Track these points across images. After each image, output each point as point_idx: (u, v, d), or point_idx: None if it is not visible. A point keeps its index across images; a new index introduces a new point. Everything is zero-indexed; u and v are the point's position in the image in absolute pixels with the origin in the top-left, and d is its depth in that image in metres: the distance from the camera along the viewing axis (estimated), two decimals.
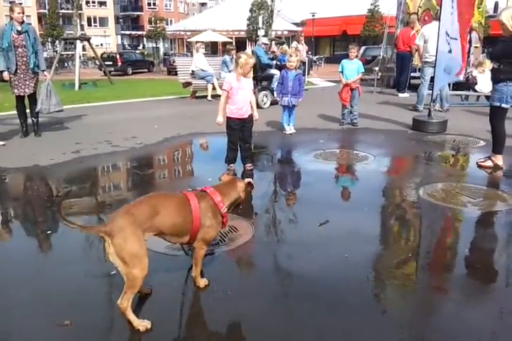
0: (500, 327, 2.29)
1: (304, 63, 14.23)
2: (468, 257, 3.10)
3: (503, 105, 5.08)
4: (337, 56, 34.78)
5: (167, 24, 47.87)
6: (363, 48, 19.50)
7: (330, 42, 40.87)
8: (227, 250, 3.12)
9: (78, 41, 16.22)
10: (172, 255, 3.00)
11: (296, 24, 35.55)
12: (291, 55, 6.94)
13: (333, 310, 2.41)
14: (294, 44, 13.83)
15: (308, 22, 36.95)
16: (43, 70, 6.77)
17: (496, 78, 5.05)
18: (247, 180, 2.72)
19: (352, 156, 5.80)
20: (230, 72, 11.19)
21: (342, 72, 7.58)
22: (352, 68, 7.50)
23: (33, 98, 6.74)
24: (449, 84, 10.82)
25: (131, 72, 26.91)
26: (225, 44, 33.76)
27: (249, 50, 10.01)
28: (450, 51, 7.25)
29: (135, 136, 6.72)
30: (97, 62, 22.31)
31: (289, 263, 2.95)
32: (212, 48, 33.71)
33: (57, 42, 20.88)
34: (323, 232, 3.42)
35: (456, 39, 7.36)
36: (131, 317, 2.19)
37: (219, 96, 11.18)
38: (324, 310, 2.40)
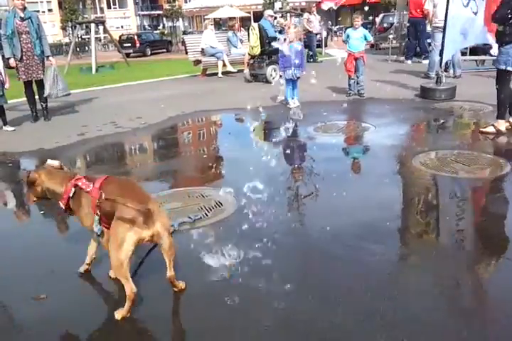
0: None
1: (317, 34, 13.99)
2: (446, 224, 3.09)
3: (509, 68, 4.91)
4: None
5: (185, 2, 47.50)
6: (380, 16, 18.87)
7: (351, 11, 39.61)
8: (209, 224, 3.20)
9: (93, 24, 16.27)
10: None
11: None
12: (289, 27, 6.82)
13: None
14: (306, 15, 13.53)
15: None
16: (48, 56, 6.88)
17: (502, 40, 4.90)
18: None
19: (351, 128, 5.76)
20: (235, 47, 11.16)
21: (348, 41, 7.44)
22: (357, 37, 7.34)
23: (40, 84, 6.89)
24: (467, 49, 10.52)
25: (149, 52, 26.92)
26: (243, 19, 33.42)
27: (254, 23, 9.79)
28: (476, 13, 6.84)
29: (140, 117, 6.83)
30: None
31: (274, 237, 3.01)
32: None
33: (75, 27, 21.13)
34: (308, 205, 3.45)
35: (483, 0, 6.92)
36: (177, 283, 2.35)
37: (230, 72, 11.35)
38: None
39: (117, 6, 51.92)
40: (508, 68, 4.86)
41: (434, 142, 4.97)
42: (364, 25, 23.87)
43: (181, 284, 2.39)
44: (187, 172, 4.72)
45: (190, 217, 3.21)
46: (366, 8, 24.11)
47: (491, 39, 6.77)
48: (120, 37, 28.13)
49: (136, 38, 26.84)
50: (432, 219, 3.23)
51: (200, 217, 3.25)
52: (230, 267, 2.56)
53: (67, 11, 33.58)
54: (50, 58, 6.95)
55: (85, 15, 24.55)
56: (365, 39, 7.32)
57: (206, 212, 3.35)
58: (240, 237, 2.89)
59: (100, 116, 7.09)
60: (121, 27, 47.90)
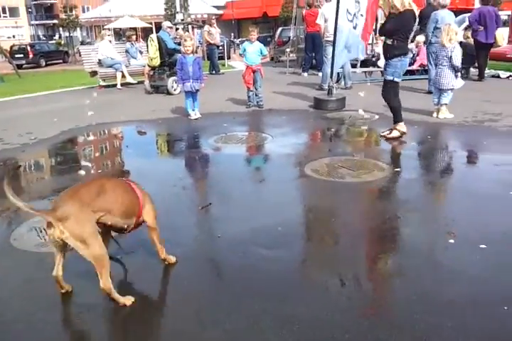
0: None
1: (218, 47, 14.19)
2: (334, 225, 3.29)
3: (396, 79, 5.34)
4: (260, 38, 34.84)
5: (83, 11, 45.71)
6: (279, 30, 19.63)
7: (252, 24, 40.83)
8: None
9: None
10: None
11: (216, 7, 35.13)
12: (185, 40, 6.86)
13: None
14: (206, 28, 13.68)
15: (228, 5, 36.70)
16: None
17: (390, 54, 5.23)
18: None
19: (250, 138, 5.91)
20: (134, 58, 10.98)
21: (244, 54, 7.64)
22: (253, 51, 7.57)
23: None
24: (358, 61, 11.30)
25: (44, 63, 25.55)
26: (144, 30, 32.92)
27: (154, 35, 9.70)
28: (355, 28, 7.38)
29: (31, 132, 6.44)
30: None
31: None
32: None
33: None
34: (203, 215, 3.49)
35: (362, 16, 7.47)
36: (116, 296, 2.30)
37: (130, 84, 11.11)
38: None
39: (8, 14, 48.68)
40: (395, 79, 5.30)
41: (324, 150, 5.26)
42: (264, 39, 24.61)
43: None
44: None
45: None
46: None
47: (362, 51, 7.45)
48: (11, 47, 26.37)
49: (29, 48, 25.31)
50: (319, 221, 3.43)
51: None
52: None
53: None
54: None
55: None
56: (261, 53, 7.56)
57: None
58: (133, 245, 2.85)
59: None
60: (13, 37, 44.93)
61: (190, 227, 3.31)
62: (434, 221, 3.30)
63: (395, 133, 5.50)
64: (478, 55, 9.82)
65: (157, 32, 10.26)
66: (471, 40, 9.99)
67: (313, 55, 12.02)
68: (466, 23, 10.73)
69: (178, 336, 2.15)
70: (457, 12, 15.81)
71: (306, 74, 12.10)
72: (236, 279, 2.62)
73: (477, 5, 12.56)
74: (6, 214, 3.64)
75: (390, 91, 5.43)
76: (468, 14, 11.19)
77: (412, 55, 11.02)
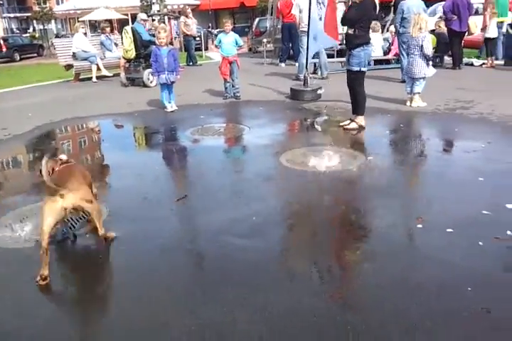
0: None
1: (194, 38, 14.08)
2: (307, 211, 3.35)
3: (362, 69, 5.38)
4: (238, 28, 34.54)
5: (57, 3, 44.68)
6: (256, 20, 19.53)
7: (230, 14, 40.42)
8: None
9: None
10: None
11: None
12: (159, 32, 6.79)
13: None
14: (182, 18, 13.54)
15: None
16: None
17: (352, 44, 5.23)
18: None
19: (227, 130, 5.94)
20: (110, 51, 10.84)
21: (220, 46, 7.62)
22: (228, 42, 7.55)
23: None
24: (334, 51, 11.37)
25: (18, 57, 24.91)
26: (120, 21, 32.38)
27: (128, 27, 9.61)
28: (320, 19, 7.48)
29: (5, 128, 6.34)
30: None
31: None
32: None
33: None
34: (177, 208, 3.52)
35: (325, 6, 7.57)
36: (108, 235, 2.94)
37: (106, 77, 10.97)
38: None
39: None
40: (362, 69, 5.34)
41: (299, 140, 5.32)
42: (242, 29, 24.49)
43: None
44: None
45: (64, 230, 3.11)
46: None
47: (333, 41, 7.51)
48: None
49: (1, 42, 24.65)
50: (292, 210, 3.49)
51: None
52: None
53: None
54: None
55: None
56: (236, 44, 7.54)
57: (73, 222, 3.25)
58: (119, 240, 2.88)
59: None
60: None
61: (166, 219, 3.33)
62: (404, 207, 3.40)
63: (353, 125, 5.55)
64: (452, 44, 9.95)
65: (133, 24, 10.18)
66: (443, 29, 10.11)
67: (291, 45, 12.03)
68: (441, 12, 10.87)
69: (154, 325, 2.19)
70: (433, 2, 15.99)
71: (283, 64, 12.13)
72: (211, 269, 2.67)
73: None
74: None
75: (356, 81, 5.46)
76: (442, 3, 11.33)
77: (387, 45, 11.18)
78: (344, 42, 5.61)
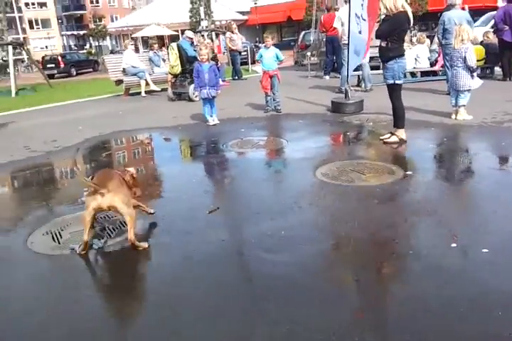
0: None
1: (240, 53, 14.32)
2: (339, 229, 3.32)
3: (397, 81, 5.32)
4: (285, 42, 34.91)
5: (112, 20, 46.91)
6: (302, 33, 19.67)
7: (277, 28, 40.90)
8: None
9: (10, 47, 15.71)
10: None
11: (241, 13, 35.42)
12: (200, 49, 7.00)
13: None
14: (228, 34, 13.84)
15: (252, 10, 36.97)
16: None
17: (386, 56, 5.23)
18: (129, 169, 3.45)
19: (265, 143, 5.99)
20: (158, 67, 11.24)
21: (261, 60, 7.74)
22: (269, 56, 7.66)
23: None
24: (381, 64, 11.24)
25: (75, 73, 26.35)
26: (171, 37, 33.53)
27: (174, 43, 9.95)
28: (360, 32, 7.48)
29: (55, 140, 6.70)
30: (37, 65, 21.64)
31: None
32: (159, 42, 33.29)
33: None
34: (211, 218, 3.58)
35: (365, 20, 7.57)
36: (138, 244, 3.06)
37: (154, 91, 11.37)
38: None
39: (40, 26, 50.45)
40: (397, 82, 5.28)
41: (337, 153, 5.29)
42: (288, 43, 24.74)
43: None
44: None
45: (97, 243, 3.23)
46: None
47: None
48: (43, 58, 27.34)
49: (59, 58, 26.16)
50: (323, 225, 3.45)
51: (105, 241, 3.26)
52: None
53: None
54: None
55: (13, 36, 23.69)
56: (277, 58, 7.63)
57: (110, 232, 3.38)
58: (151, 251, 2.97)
59: (14, 141, 6.90)
60: (46, 47, 46.53)
61: (198, 231, 3.40)
62: (439, 225, 3.29)
63: (394, 139, 5.45)
64: (502, 55, 9.61)
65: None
66: (492, 40, 9.80)
67: (334, 58, 12.02)
68: (492, 22, 10.56)
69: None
70: (485, 10, 15.52)
71: (327, 77, 12.13)
72: (236, 281, 2.69)
73: (501, 3, 12.26)
74: (26, 218, 3.84)
75: (393, 94, 5.42)
76: (494, 13, 11.01)
77: (436, 56, 10.94)
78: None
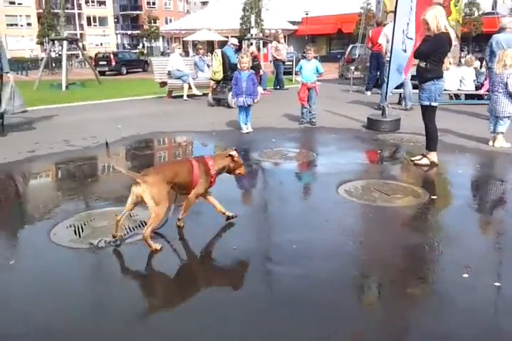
0: None
1: (284, 62, 14.43)
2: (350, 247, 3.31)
3: (433, 103, 5.25)
4: (333, 54, 34.90)
5: (166, 23, 48.20)
6: (349, 47, 19.64)
7: (326, 40, 40.95)
8: None
9: (65, 42, 16.45)
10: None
11: (292, 23, 35.65)
12: (242, 56, 7.12)
13: None
14: (274, 43, 13.99)
15: (303, 20, 37.13)
16: (7, 72, 7.02)
17: (423, 77, 5.16)
18: (231, 152, 3.53)
19: (294, 155, 6.02)
20: (202, 71, 11.47)
21: (300, 72, 7.79)
22: (309, 69, 7.70)
23: None
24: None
25: (125, 71, 27.17)
26: (221, 43, 34.19)
27: (219, 50, 10.16)
28: (405, 51, 7.42)
29: (94, 136, 6.96)
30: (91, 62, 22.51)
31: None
32: (209, 47, 33.98)
33: (54, 43, 21.23)
34: (226, 226, 3.65)
35: (411, 39, 7.52)
36: (150, 242, 3.11)
37: (195, 95, 11.62)
38: None
39: (97, 23, 52.41)
40: (432, 104, 5.20)
41: (365, 171, 5.26)
42: (335, 55, 24.73)
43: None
44: (124, 191, 4.72)
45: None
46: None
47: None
48: (96, 55, 28.37)
49: (112, 56, 27.06)
50: (336, 242, 3.45)
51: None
52: None
53: (45, 26, 33.69)
54: (8, 74, 7.09)
55: (69, 31, 24.86)
56: (317, 71, 7.67)
57: (128, 230, 3.50)
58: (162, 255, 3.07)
59: (55, 134, 7.20)
60: (101, 44, 48.29)
61: (211, 238, 3.47)
62: (455, 253, 3.23)
63: (425, 161, 5.36)
64: None
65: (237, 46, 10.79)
66: None
67: (378, 73, 11.93)
68: None
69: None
70: None
71: (369, 92, 12.06)
72: (241, 291, 2.74)
73: None
74: (51, 212, 4.02)
75: (426, 116, 5.34)
76: None
77: (483, 79, 10.68)
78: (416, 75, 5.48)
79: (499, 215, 4.08)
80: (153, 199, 3.02)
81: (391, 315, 2.52)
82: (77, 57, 32.61)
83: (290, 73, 17.45)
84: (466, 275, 2.84)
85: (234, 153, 3.52)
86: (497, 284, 2.74)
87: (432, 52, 5.02)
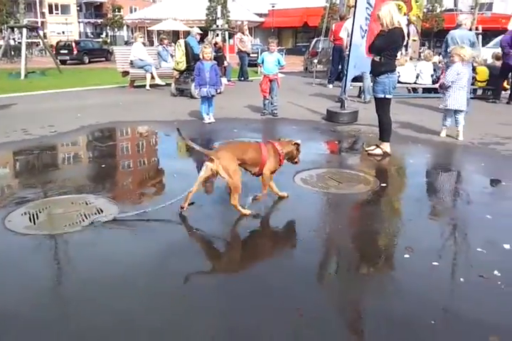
0: None
1: (248, 54, 14.48)
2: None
3: (387, 96, 5.44)
4: (299, 47, 35.09)
5: (131, 12, 47.22)
6: (314, 40, 19.81)
7: (292, 33, 41.12)
8: None
9: (24, 29, 15.95)
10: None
11: (259, 15, 35.63)
12: (205, 47, 7.15)
13: None
14: (239, 35, 14.01)
15: (270, 13, 37.17)
16: None
17: (377, 71, 5.35)
18: (297, 141, 3.97)
19: None
20: (165, 61, 11.40)
21: (262, 63, 7.88)
22: (271, 61, 7.79)
23: None
24: None
25: (87, 60, 26.57)
26: (187, 33, 33.88)
27: (182, 41, 10.12)
28: (361, 44, 7.59)
29: (52, 125, 6.86)
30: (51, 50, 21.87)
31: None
32: (174, 37, 33.57)
33: (13, 30, 20.43)
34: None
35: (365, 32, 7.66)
36: (240, 208, 3.57)
37: (158, 85, 11.54)
38: None
39: (59, 11, 50.79)
40: (387, 96, 5.39)
41: (320, 161, 5.41)
42: (300, 48, 24.87)
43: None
44: (80, 180, 4.68)
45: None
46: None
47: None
48: (57, 43, 27.60)
49: (74, 45, 26.39)
50: (294, 229, 3.59)
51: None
52: None
53: (3, 12, 32.37)
54: None
55: (30, 19, 23.99)
56: (279, 63, 7.77)
57: (84, 218, 3.52)
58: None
59: (13, 123, 7.05)
60: (63, 33, 46.89)
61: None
62: (397, 236, 3.41)
63: (378, 151, 5.57)
64: (501, 77, 9.73)
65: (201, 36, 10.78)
66: (496, 62, 9.92)
67: (340, 67, 12.15)
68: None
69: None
70: (503, 32, 15.61)
71: (331, 85, 12.27)
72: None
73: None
74: (6, 199, 3.99)
75: (381, 108, 5.53)
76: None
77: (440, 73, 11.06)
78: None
79: (445, 202, 4.29)
80: (227, 173, 3.45)
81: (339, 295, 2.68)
82: (37, 45, 31.60)
83: (255, 65, 17.51)
84: (407, 256, 3.03)
85: (299, 141, 3.96)
86: (435, 263, 2.93)
87: (385, 47, 5.20)
